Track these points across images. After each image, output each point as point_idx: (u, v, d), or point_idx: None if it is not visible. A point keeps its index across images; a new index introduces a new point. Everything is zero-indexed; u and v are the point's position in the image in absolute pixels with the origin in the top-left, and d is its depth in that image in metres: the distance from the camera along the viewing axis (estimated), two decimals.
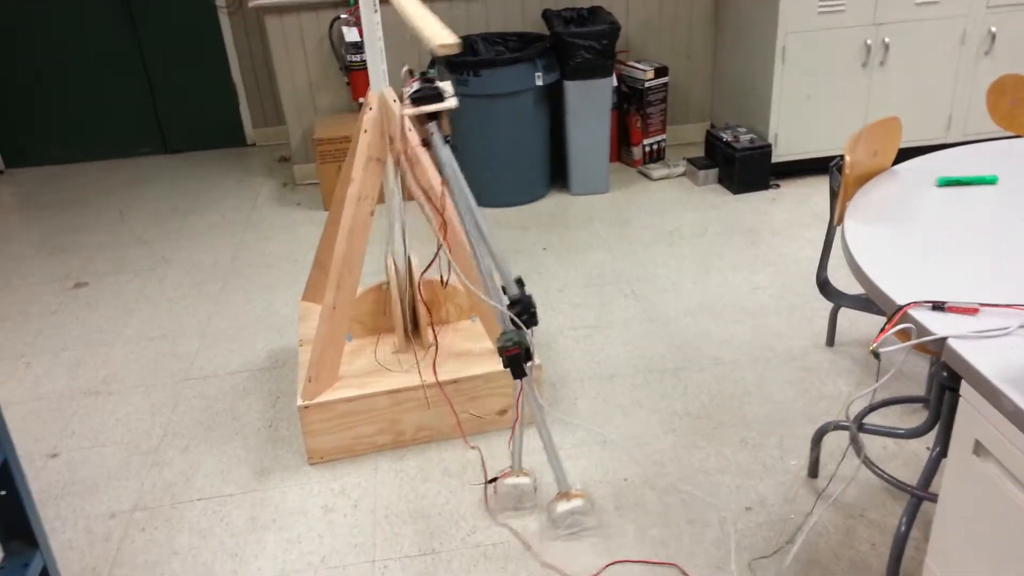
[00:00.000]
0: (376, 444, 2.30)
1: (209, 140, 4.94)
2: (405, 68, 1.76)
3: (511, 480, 2.06)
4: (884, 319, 1.31)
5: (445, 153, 1.73)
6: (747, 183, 3.84)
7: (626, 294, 3.04)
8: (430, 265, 2.29)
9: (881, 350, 1.32)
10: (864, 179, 1.79)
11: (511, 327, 1.83)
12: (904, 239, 1.53)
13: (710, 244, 3.38)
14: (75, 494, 2.23)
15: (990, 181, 1.72)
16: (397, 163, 2.25)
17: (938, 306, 1.29)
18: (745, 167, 3.80)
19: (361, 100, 4.08)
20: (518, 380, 1.85)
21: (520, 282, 1.87)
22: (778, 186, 3.89)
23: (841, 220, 1.63)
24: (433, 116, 1.71)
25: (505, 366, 1.80)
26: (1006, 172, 1.77)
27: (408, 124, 1.84)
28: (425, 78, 1.75)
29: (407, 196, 2.33)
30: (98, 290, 3.35)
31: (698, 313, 2.89)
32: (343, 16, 3.93)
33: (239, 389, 2.64)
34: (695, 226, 3.55)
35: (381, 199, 2.36)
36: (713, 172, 3.97)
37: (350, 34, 3.90)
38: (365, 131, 2.18)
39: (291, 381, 2.66)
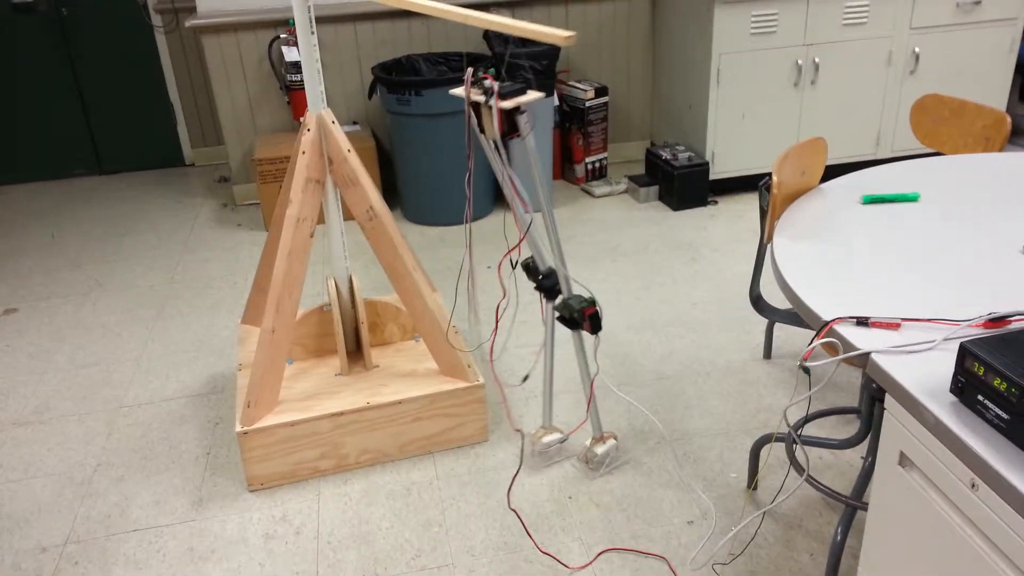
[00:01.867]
0: (319, 469, 2.27)
1: (146, 160, 4.84)
2: (469, 71, 1.93)
3: (548, 437, 2.29)
4: (814, 334, 1.35)
5: (531, 141, 1.95)
6: (686, 200, 3.92)
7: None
8: (508, 254, 2.29)
9: (809, 364, 1.36)
10: (792, 197, 1.85)
11: (573, 295, 2.09)
12: (830, 256, 1.57)
13: (651, 260, 3.43)
14: (3, 530, 2.15)
15: (912, 199, 1.79)
16: (336, 184, 2.24)
17: (862, 321, 1.33)
18: (684, 184, 3.88)
19: (301, 119, 4.05)
20: (595, 335, 2.08)
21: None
22: (716, 202, 3.98)
23: (771, 238, 1.68)
24: (519, 109, 1.89)
25: (575, 325, 2.07)
26: (928, 190, 1.84)
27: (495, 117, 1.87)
28: (482, 78, 1.89)
29: (347, 216, 2.32)
30: (29, 316, 3.24)
31: (641, 329, 2.93)
32: (282, 36, 3.90)
33: (176, 416, 2.57)
34: (637, 242, 3.60)
35: (321, 219, 2.34)
36: (654, 189, 4.04)
37: (290, 53, 3.88)
38: (303, 152, 2.17)
39: (230, 407, 2.61)
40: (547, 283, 2.13)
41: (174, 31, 4.56)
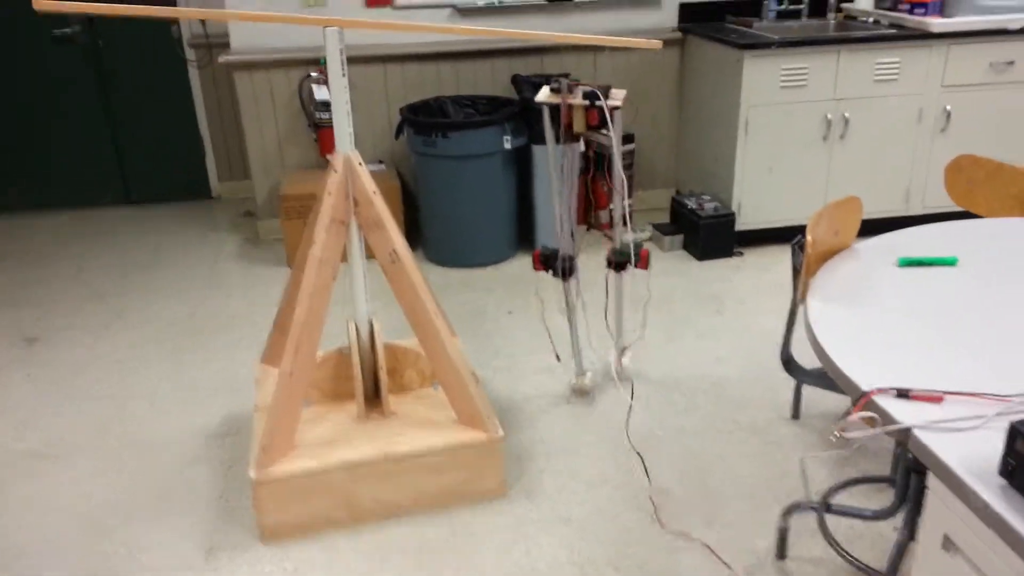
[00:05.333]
0: (332, 519, 2.22)
1: (174, 192, 4.88)
2: (562, 81, 2.44)
3: (582, 381, 2.79)
4: (848, 397, 1.30)
5: (616, 132, 2.46)
6: (711, 250, 3.87)
7: (592, 361, 3.01)
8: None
9: (846, 435, 1.31)
10: (826, 257, 1.80)
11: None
12: (866, 320, 1.52)
13: (676, 311, 3.38)
14: (8, 563, 2.11)
15: (950, 263, 1.73)
16: (361, 226, 2.23)
17: (902, 393, 1.28)
18: (709, 234, 3.84)
19: (329, 157, 4.07)
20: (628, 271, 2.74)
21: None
22: (742, 254, 3.93)
23: (804, 298, 1.63)
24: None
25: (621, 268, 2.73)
26: (966, 253, 1.79)
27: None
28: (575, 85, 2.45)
29: (370, 254, 2.29)
30: (49, 347, 3.24)
31: (663, 382, 2.86)
32: (313, 75, 3.94)
33: (189, 456, 2.54)
34: (661, 292, 3.55)
35: (344, 258, 2.32)
36: (679, 238, 4.00)
37: (320, 92, 3.91)
38: (329, 193, 2.15)
39: (245, 449, 2.57)
40: (566, 265, 2.67)
41: (207, 66, 4.63)
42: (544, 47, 4.11)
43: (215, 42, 4.55)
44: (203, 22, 4.53)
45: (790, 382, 2.83)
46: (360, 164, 2.19)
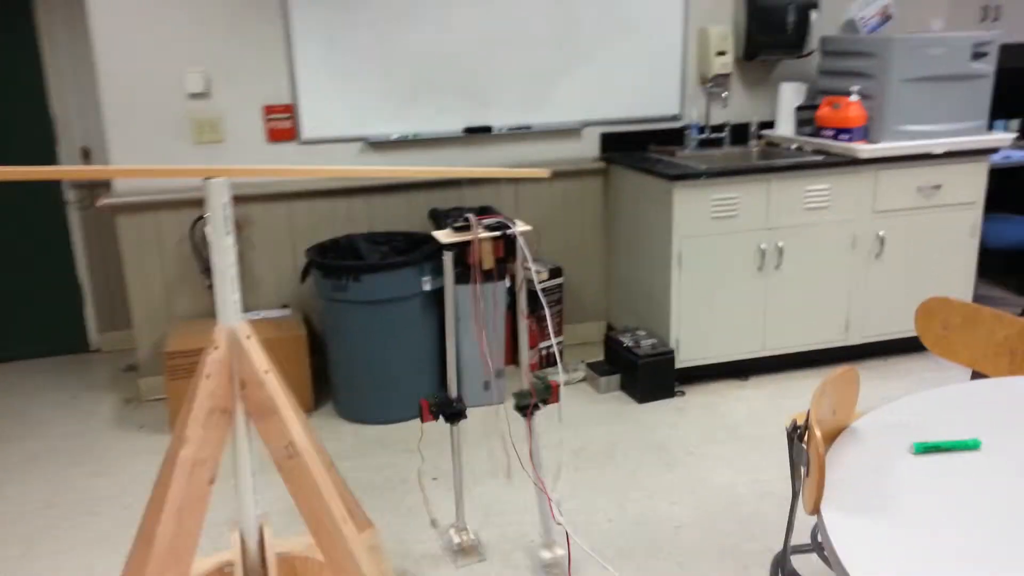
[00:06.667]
0: None
1: (44, 346, 4.30)
2: (471, 216, 2.34)
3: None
4: None
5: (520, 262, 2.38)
6: (651, 391, 3.56)
7: (532, 539, 2.59)
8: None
9: None
10: (826, 441, 1.48)
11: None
12: (894, 532, 1.19)
13: (622, 467, 3.01)
14: None
15: (972, 446, 1.44)
16: (248, 413, 1.80)
17: None
18: (649, 374, 3.54)
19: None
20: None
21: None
22: (683, 393, 3.64)
23: (815, 509, 1.29)
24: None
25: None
26: (986, 430, 1.50)
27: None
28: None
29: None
30: None
31: (617, 560, 2.46)
32: (207, 216, 3.54)
33: None
34: (603, 444, 3.19)
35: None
36: (615, 379, 3.69)
37: None
38: (207, 376, 1.73)
39: None
40: (457, 408, 2.47)
41: (89, 207, 4.18)
42: (463, 180, 3.86)
43: (99, 183, 4.13)
44: (85, 157, 4.11)
45: (761, 555, 2.46)
46: (248, 338, 1.78)
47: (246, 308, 3.72)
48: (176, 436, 1.85)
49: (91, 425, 3.48)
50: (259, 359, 1.78)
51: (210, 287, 3.64)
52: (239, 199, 3.59)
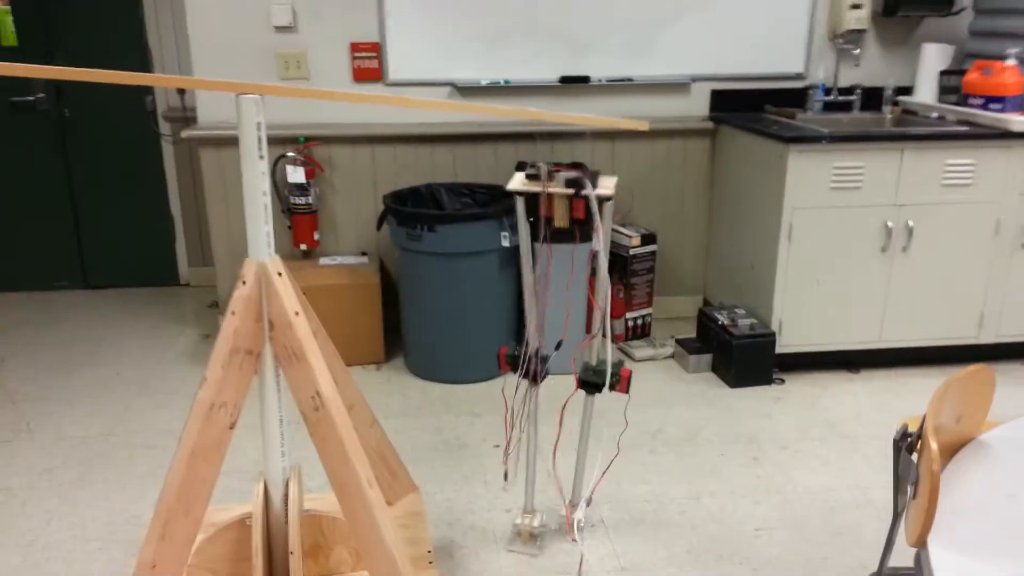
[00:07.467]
0: None
1: (138, 277, 4.36)
2: (541, 165, 2.07)
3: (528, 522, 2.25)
4: None
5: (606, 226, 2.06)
6: (746, 376, 3.23)
7: (593, 524, 2.36)
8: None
9: None
10: (945, 455, 1.17)
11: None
12: None
13: (702, 455, 2.72)
14: None
15: None
16: (276, 357, 1.63)
17: None
18: (744, 357, 3.21)
19: (303, 247, 3.54)
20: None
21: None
22: (782, 381, 3.29)
23: (921, 542, 0.99)
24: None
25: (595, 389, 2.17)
26: None
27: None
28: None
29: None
30: None
31: (685, 561, 2.19)
32: (289, 154, 3.44)
33: None
34: (684, 427, 2.90)
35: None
36: (706, 358, 3.38)
37: (295, 174, 3.40)
38: (232, 313, 1.57)
39: None
40: (541, 361, 2.20)
41: (182, 141, 4.17)
42: (556, 132, 3.60)
43: (193, 115, 4.10)
44: (181, 92, 4.09)
45: (851, 572, 2.14)
46: (280, 274, 1.61)
47: (324, 253, 3.61)
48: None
49: (165, 357, 3.47)
50: (289, 299, 1.60)
51: (290, 227, 3.54)
52: (322, 140, 3.47)
